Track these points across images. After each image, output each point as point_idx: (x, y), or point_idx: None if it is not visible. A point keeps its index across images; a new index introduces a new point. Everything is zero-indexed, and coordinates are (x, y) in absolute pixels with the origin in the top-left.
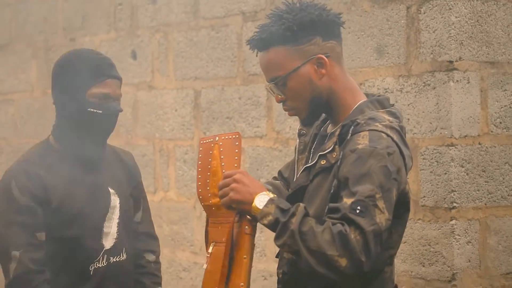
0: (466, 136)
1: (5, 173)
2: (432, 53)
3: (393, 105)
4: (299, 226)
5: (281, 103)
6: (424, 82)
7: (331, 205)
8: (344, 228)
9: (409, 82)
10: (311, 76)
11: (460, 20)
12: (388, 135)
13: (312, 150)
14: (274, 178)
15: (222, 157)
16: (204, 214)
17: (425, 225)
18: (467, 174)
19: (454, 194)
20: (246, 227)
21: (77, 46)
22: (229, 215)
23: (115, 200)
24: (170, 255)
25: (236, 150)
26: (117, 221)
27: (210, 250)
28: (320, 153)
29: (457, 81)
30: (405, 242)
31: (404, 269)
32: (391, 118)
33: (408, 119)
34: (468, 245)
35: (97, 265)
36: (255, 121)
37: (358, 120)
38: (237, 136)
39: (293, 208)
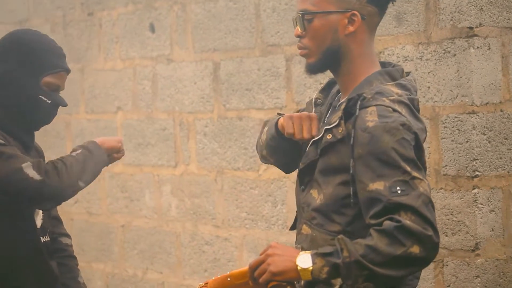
0: (487, 103)
1: None
2: (452, 20)
3: (409, 73)
4: (356, 253)
5: (299, 39)
6: (444, 49)
7: (365, 200)
8: (395, 220)
9: (429, 49)
10: (338, 27)
11: None
12: (395, 110)
13: (325, 121)
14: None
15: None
16: (226, 187)
17: (447, 195)
18: (489, 142)
19: (476, 163)
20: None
21: (95, 20)
22: None
23: None
24: (192, 229)
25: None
26: None
27: None
28: (326, 127)
29: (477, 47)
30: None
31: None
32: (400, 91)
33: (429, 87)
34: (491, 213)
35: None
36: (275, 92)
37: (364, 95)
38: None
39: (336, 245)
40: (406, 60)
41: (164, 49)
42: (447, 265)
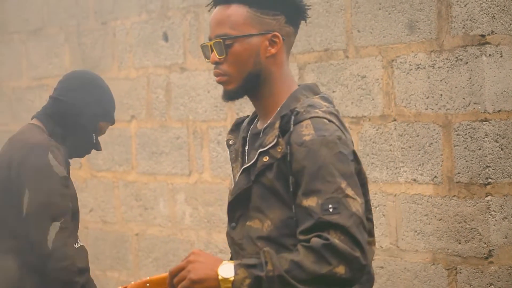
0: (500, 110)
1: (37, 146)
2: (464, 27)
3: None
4: (280, 268)
5: (215, 65)
6: (456, 57)
7: (298, 215)
8: (324, 237)
9: (441, 57)
10: (260, 50)
11: None
12: (330, 121)
13: (246, 152)
14: None
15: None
16: None
17: (460, 202)
18: (502, 149)
19: (489, 170)
20: None
21: (109, 29)
22: None
23: None
24: (207, 237)
25: None
26: None
27: None
28: (260, 150)
29: (489, 55)
30: (440, 220)
31: (440, 246)
32: (326, 104)
33: (441, 95)
34: (504, 221)
35: (77, 244)
36: None
37: (297, 109)
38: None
39: (261, 257)
40: (418, 68)
41: (177, 58)
42: (460, 272)
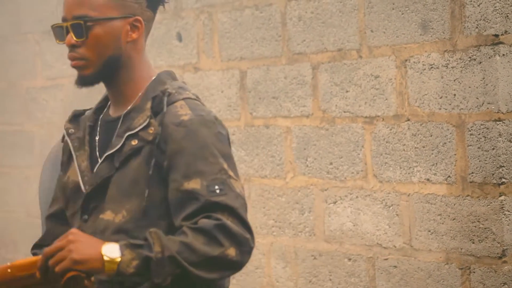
0: None
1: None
2: (477, 27)
3: None
4: (171, 249)
5: (72, 49)
6: (470, 57)
7: (178, 200)
8: (214, 218)
9: (454, 57)
10: (121, 34)
11: None
12: (202, 104)
13: (97, 142)
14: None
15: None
16: (253, 194)
17: (473, 202)
18: None
19: (502, 170)
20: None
21: None
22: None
23: None
24: None
25: None
26: None
27: None
28: (128, 133)
29: (503, 55)
30: (454, 219)
31: (453, 246)
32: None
33: (455, 95)
34: None
35: None
36: (301, 100)
37: (169, 90)
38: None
39: (148, 238)
40: (431, 68)
41: (191, 58)
42: (474, 272)
